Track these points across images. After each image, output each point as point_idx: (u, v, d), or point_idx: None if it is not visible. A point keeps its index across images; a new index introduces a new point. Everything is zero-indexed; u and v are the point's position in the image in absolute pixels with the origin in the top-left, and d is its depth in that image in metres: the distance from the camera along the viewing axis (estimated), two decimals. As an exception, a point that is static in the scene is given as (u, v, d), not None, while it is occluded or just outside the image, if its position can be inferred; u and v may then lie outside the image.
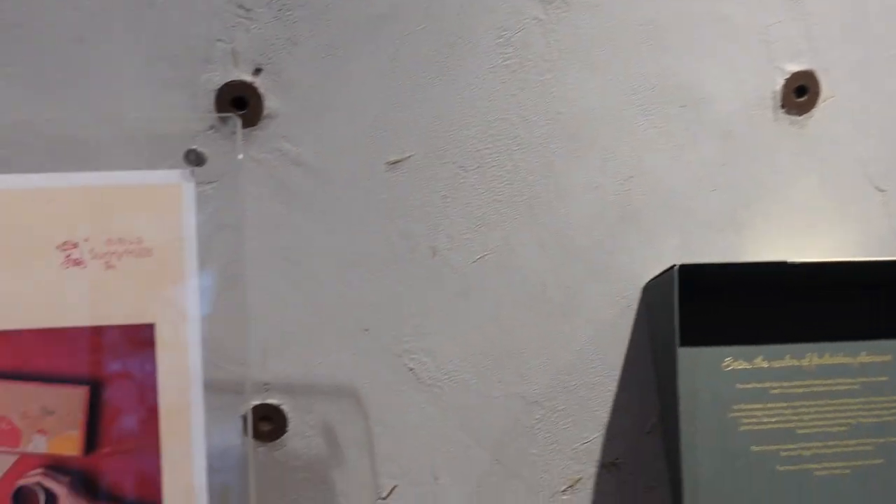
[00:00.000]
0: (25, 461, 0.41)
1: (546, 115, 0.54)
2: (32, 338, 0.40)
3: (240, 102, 0.50)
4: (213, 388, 0.42)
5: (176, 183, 0.40)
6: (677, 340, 0.49)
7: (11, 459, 0.41)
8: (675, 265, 0.49)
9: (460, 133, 0.54)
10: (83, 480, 0.41)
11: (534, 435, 0.58)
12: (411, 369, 0.56)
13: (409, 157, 0.53)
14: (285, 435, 0.56)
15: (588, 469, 0.58)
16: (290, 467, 0.56)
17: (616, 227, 0.56)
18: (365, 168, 0.53)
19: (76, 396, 0.40)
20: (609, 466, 0.59)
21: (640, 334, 0.57)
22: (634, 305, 0.57)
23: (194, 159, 0.39)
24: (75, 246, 0.40)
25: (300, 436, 0.56)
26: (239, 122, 0.42)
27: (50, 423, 0.40)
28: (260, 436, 0.55)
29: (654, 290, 0.55)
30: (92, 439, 0.41)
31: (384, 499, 0.58)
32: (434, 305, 0.55)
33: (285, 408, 0.55)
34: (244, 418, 0.54)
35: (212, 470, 0.41)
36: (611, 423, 0.58)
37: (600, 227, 0.56)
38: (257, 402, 0.54)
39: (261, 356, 0.54)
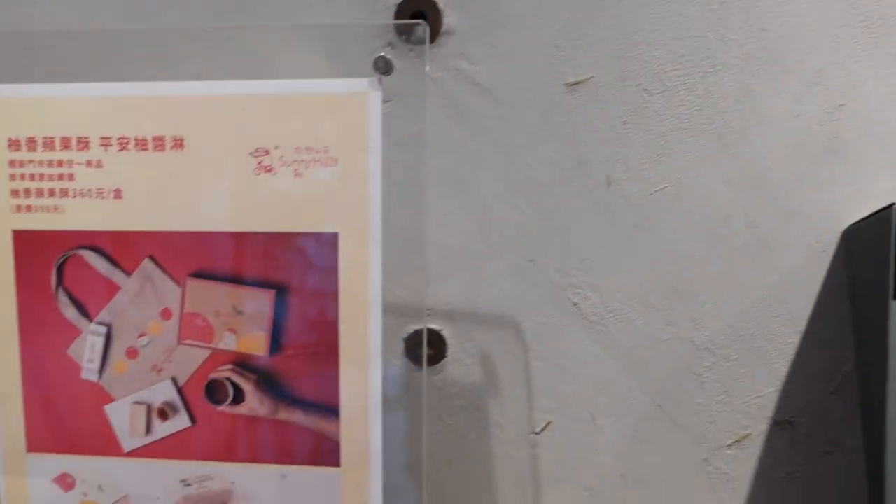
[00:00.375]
0: (217, 357, 0.43)
1: (747, 32, 0.49)
2: (227, 240, 0.42)
3: (419, 18, 0.49)
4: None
5: (363, 91, 0.40)
6: (891, 293, 0.44)
7: (205, 354, 0.43)
8: (893, 204, 0.43)
9: (647, 53, 0.50)
10: (267, 379, 0.42)
11: (702, 383, 0.54)
12: (575, 304, 0.54)
13: (590, 78, 0.50)
14: (444, 360, 0.56)
15: (758, 425, 0.54)
16: (446, 393, 0.57)
17: (818, 161, 0.50)
18: (542, 89, 0.50)
19: (263, 299, 0.42)
20: (783, 424, 0.54)
21: (835, 284, 0.52)
22: (830, 251, 0.51)
23: (383, 66, 0.39)
24: (267, 153, 0.41)
25: (459, 363, 0.56)
26: (427, 28, 0.40)
27: (239, 322, 0.42)
28: (419, 360, 0.55)
29: (858, 235, 0.49)
30: (276, 341, 0.42)
31: (537, 433, 0.57)
32: (605, 238, 0.52)
33: (446, 334, 0.55)
34: (405, 341, 0.55)
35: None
36: (789, 378, 0.53)
37: (799, 162, 0.50)
38: (419, 327, 0.55)
39: (424, 281, 0.54)
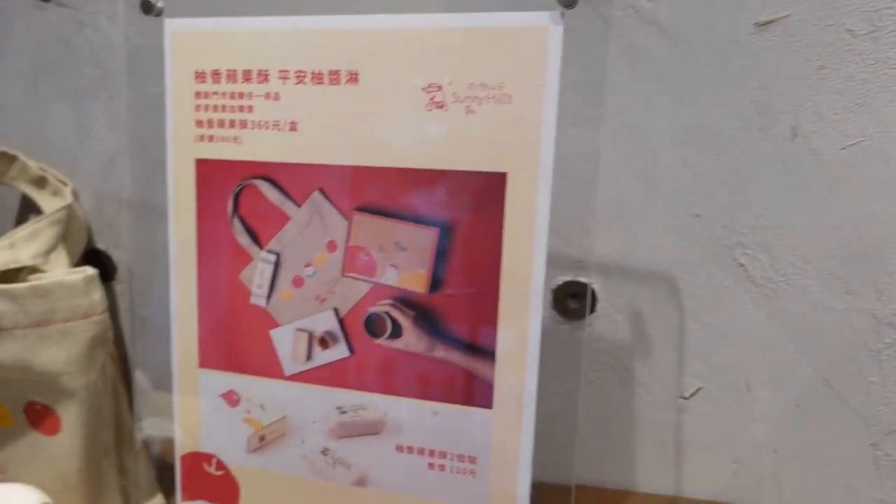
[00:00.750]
0: (377, 291, 0.43)
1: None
2: (394, 176, 0.42)
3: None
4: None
5: (543, 26, 0.38)
6: None
7: (366, 287, 0.44)
8: None
9: (855, -12, 0.44)
10: (426, 317, 0.43)
11: (880, 361, 0.49)
12: (742, 265, 0.50)
13: (785, 16, 0.45)
14: (592, 315, 0.54)
15: (942, 412, 0.49)
16: (591, 349, 0.55)
17: None
18: (728, 29, 0.46)
19: (427, 236, 0.42)
20: (972, 414, 0.49)
21: None
22: None
23: (566, -1, 0.37)
24: (439, 88, 0.40)
25: (607, 318, 0.54)
26: (616, -42, 0.38)
27: (402, 258, 0.43)
28: (566, 313, 0.54)
29: None
30: (437, 279, 0.42)
31: (686, 398, 0.55)
32: (783, 195, 0.48)
33: (596, 287, 0.53)
34: (554, 292, 0.54)
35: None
36: None
37: None
38: (568, 279, 0.53)
39: (588, 231, 0.52)
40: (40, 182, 0.60)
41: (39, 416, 0.50)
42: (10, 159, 0.59)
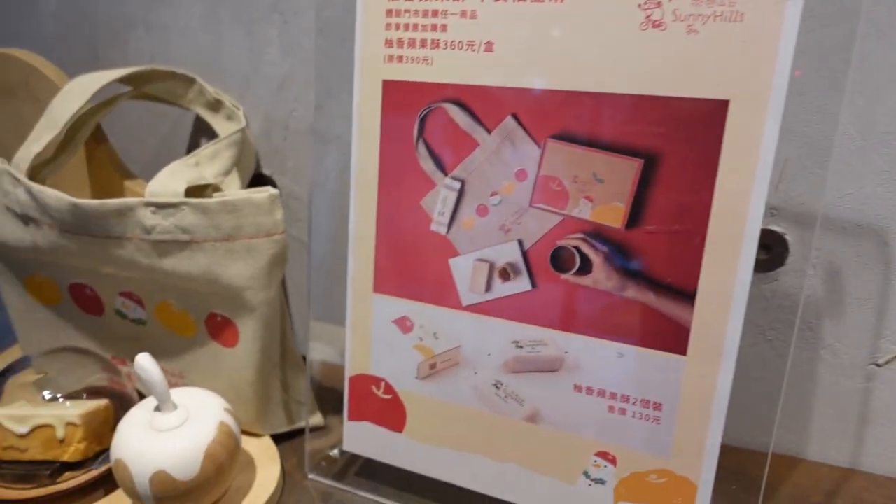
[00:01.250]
0: (568, 223, 0.42)
1: None
2: (597, 102, 0.39)
3: None
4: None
5: (792, -68, 0.34)
6: None
7: (555, 220, 0.42)
8: None
9: None
10: (619, 254, 0.40)
11: None
12: (971, 221, 0.45)
13: None
14: (781, 269, 0.50)
15: None
16: (776, 305, 0.51)
17: None
18: None
19: (629, 168, 0.39)
20: None
21: None
22: None
23: None
24: (658, 5, 0.37)
25: (797, 272, 0.50)
26: None
27: (598, 190, 0.40)
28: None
29: None
30: (636, 214, 0.40)
31: (878, 365, 0.50)
32: None
33: (789, 238, 0.49)
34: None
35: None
36: None
37: None
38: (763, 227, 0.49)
39: (776, 172, 0.48)
40: (215, 106, 0.61)
41: (220, 328, 0.53)
42: (189, 82, 0.61)
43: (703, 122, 0.37)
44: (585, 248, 0.41)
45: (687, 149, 0.38)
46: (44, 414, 0.49)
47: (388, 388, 0.49)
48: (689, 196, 0.38)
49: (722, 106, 0.36)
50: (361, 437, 0.51)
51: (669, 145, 0.38)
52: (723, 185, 0.37)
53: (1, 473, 0.49)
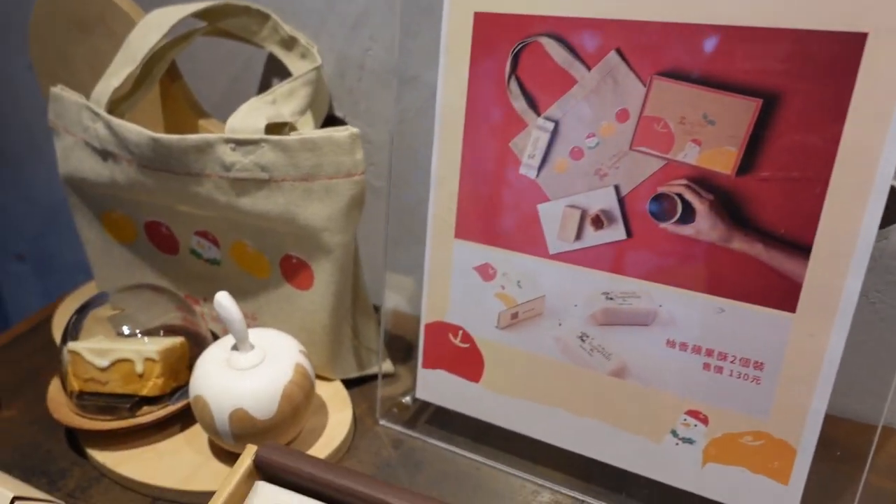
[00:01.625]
0: (671, 168, 0.39)
1: None
2: (712, 35, 0.36)
3: None
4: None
5: None
6: None
7: (658, 164, 0.39)
8: None
9: None
10: (727, 202, 0.38)
11: None
12: None
13: None
14: (893, 226, 0.46)
15: None
16: (882, 265, 0.48)
17: None
18: None
19: (745, 109, 0.36)
20: None
21: None
22: None
23: None
24: (792, -74, 0.33)
25: (910, 231, 0.46)
26: None
27: (708, 133, 0.37)
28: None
29: None
30: (749, 160, 0.37)
31: None
32: None
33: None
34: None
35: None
36: None
37: None
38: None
39: None
40: (289, 43, 0.60)
41: (294, 271, 0.52)
42: (263, 18, 0.59)
43: (836, 58, 0.34)
44: (689, 196, 0.39)
45: (813, 88, 0.34)
46: (123, 348, 0.50)
47: (466, 337, 0.48)
48: (812, 141, 0.35)
49: (858, 40, 0.33)
50: (435, 386, 0.51)
51: (793, 84, 0.35)
52: (853, 129, 0.34)
53: (83, 404, 0.50)
